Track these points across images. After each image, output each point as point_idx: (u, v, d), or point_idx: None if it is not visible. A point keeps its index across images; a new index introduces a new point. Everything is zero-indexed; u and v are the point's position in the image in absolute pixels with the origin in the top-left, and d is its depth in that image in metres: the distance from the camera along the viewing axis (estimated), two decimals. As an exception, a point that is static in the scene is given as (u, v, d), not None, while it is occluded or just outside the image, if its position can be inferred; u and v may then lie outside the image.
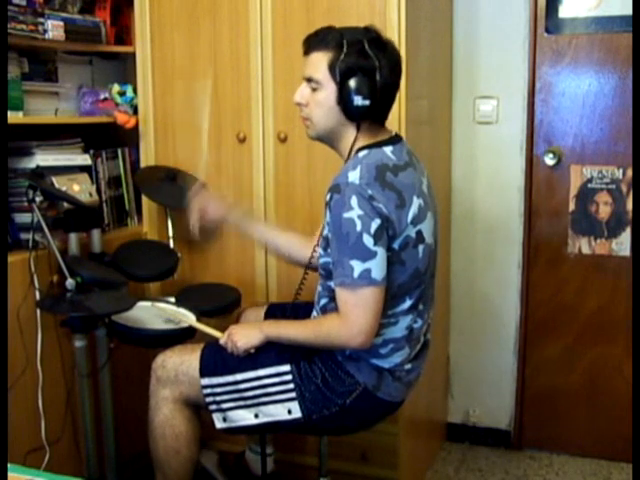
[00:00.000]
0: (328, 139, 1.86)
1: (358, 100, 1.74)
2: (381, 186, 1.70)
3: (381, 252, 1.69)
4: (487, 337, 2.91)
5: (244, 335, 1.87)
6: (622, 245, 2.72)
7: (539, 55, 2.71)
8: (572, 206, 2.76)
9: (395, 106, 2.24)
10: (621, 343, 2.73)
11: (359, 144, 1.80)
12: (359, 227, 1.67)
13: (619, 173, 2.69)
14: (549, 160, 2.74)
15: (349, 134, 1.81)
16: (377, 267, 1.69)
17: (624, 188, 2.69)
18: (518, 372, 2.89)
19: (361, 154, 1.78)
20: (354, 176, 1.71)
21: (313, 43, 1.80)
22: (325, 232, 1.79)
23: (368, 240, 1.68)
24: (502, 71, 2.75)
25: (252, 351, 1.87)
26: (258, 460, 2.23)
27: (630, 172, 2.66)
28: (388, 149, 1.79)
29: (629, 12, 2.55)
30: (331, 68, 1.75)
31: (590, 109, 2.69)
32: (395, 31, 2.23)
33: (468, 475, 2.76)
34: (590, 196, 2.74)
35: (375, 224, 1.68)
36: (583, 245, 2.77)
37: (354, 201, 1.68)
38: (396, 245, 1.73)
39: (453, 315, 2.95)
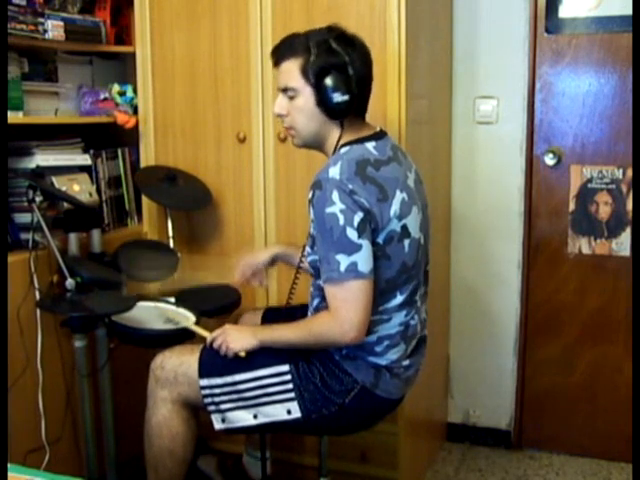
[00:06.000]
0: (314, 143, 1.87)
1: (337, 97, 1.75)
2: (362, 180, 1.71)
3: (366, 245, 1.69)
4: (487, 337, 2.91)
5: (238, 338, 1.86)
6: (622, 245, 2.72)
7: (539, 55, 2.71)
8: (572, 206, 2.76)
9: (395, 106, 2.28)
10: (621, 343, 2.73)
11: (343, 141, 1.81)
12: (342, 221, 1.68)
13: (619, 173, 2.69)
14: (549, 160, 2.74)
15: (334, 134, 1.82)
16: (363, 260, 1.69)
17: (624, 188, 2.69)
18: (518, 372, 2.89)
19: (343, 150, 1.79)
20: (334, 172, 1.71)
21: (280, 53, 1.82)
22: (311, 230, 1.79)
23: (352, 233, 1.68)
24: (502, 71, 2.74)
25: (242, 354, 1.85)
26: (256, 464, 2.23)
27: (630, 172, 2.66)
28: (370, 144, 1.80)
29: (629, 12, 2.55)
30: (304, 72, 1.77)
31: (590, 109, 2.69)
32: (395, 31, 2.23)
33: (468, 475, 2.76)
34: (590, 196, 2.73)
35: (358, 217, 1.68)
36: (583, 245, 2.77)
37: (335, 196, 1.68)
38: (380, 239, 1.73)
39: (453, 315, 2.95)
